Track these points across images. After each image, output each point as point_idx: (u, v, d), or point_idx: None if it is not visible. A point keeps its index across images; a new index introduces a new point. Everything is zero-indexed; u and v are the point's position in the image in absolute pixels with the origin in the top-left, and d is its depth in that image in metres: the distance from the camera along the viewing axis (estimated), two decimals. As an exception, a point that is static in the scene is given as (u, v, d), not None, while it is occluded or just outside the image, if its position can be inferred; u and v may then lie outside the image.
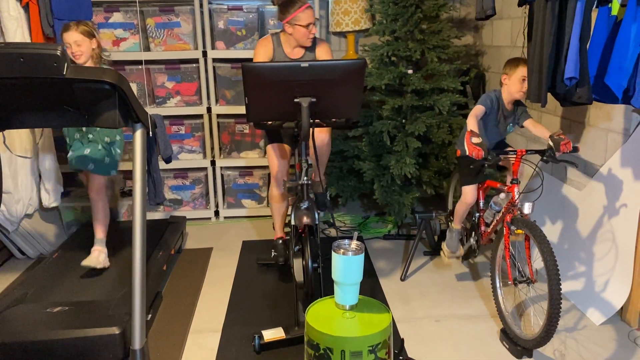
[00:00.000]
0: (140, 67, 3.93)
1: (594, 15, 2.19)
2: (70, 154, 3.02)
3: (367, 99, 3.83)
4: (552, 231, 3.14)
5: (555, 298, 2.19)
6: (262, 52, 2.97)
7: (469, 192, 2.89)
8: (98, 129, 2.98)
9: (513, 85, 2.70)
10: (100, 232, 3.05)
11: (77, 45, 2.85)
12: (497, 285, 2.65)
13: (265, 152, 3.97)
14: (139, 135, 2.20)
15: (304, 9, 2.82)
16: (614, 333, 2.57)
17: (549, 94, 2.27)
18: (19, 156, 3.13)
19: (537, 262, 2.49)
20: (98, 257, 2.96)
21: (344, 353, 1.60)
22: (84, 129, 2.99)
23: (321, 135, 3.06)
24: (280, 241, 3.25)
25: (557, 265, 2.23)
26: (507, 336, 2.50)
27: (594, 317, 2.68)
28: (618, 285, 2.63)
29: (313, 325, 1.66)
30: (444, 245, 3.23)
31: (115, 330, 2.25)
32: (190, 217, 4.11)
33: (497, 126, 2.84)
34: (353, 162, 3.83)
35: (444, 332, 2.62)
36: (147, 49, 3.96)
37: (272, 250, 3.26)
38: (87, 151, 2.97)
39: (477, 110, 2.71)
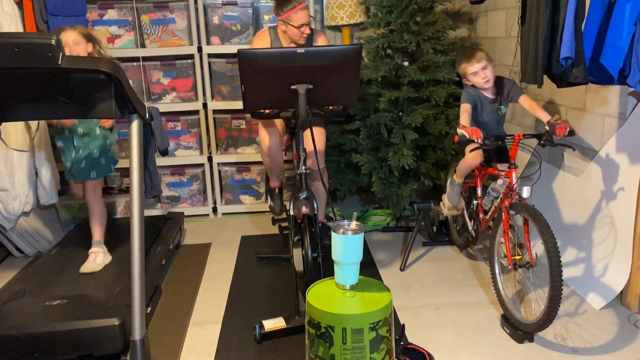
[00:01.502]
0: (135, 64, 3.93)
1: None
2: (67, 163, 2.98)
3: (364, 92, 3.83)
4: (550, 218, 3.12)
5: (556, 279, 2.19)
6: (258, 45, 2.98)
7: (474, 154, 2.83)
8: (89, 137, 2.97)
9: (473, 80, 2.77)
10: (97, 234, 3.02)
11: (75, 44, 2.77)
12: (497, 271, 2.65)
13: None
14: (135, 126, 2.19)
15: (297, 9, 2.82)
16: (615, 317, 2.57)
17: (545, 77, 2.28)
18: (16, 150, 3.12)
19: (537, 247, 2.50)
20: (95, 260, 2.94)
21: (345, 331, 1.60)
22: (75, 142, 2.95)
23: (316, 128, 3.06)
24: (277, 190, 3.21)
25: (558, 248, 2.24)
26: (508, 321, 2.49)
27: (594, 302, 2.68)
28: (617, 269, 2.63)
29: (314, 304, 1.66)
30: (444, 198, 3.16)
31: (115, 322, 2.24)
32: (188, 214, 4.11)
33: (490, 113, 2.84)
34: (350, 155, 3.83)
35: (445, 319, 2.62)
36: (142, 45, 3.96)
37: (268, 199, 3.24)
38: (83, 164, 2.94)
39: (466, 107, 2.77)
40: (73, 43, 2.77)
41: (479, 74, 2.73)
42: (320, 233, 2.80)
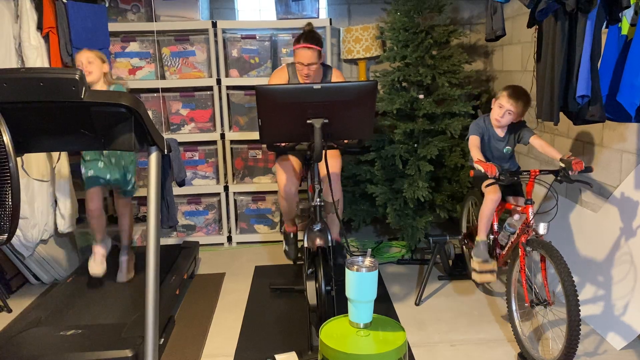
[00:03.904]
0: (155, 95, 4.01)
1: (604, 35, 2.21)
2: (87, 171, 3.07)
3: (379, 124, 3.86)
4: (567, 254, 3.08)
5: (574, 319, 2.15)
6: (276, 81, 3.04)
7: (492, 189, 2.78)
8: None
9: (493, 109, 2.77)
10: (125, 239, 3.23)
11: (89, 63, 2.93)
12: (513, 308, 2.61)
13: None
14: (153, 158, 2.22)
15: (300, 47, 2.86)
16: (636, 357, 2.50)
17: (561, 113, 2.27)
18: (36, 180, 3.18)
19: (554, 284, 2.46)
20: (127, 267, 3.19)
21: (359, 371, 1.58)
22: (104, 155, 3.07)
23: (332, 162, 3.08)
24: (292, 235, 3.23)
25: (575, 286, 2.20)
26: (525, 360, 2.44)
27: (615, 342, 2.61)
28: (638, 308, 2.57)
29: (327, 343, 1.64)
30: (472, 259, 2.92)
31: (128, 353, 2.24)
32: (203, 242, 4.12)
33: (490, 150, 2.85)
34: (365, 186, 3.84)
35: (461, 357, 2.57)
36: (163, 77, 4.04)
37: (283, 243, 3.24)
38: (108, 175, 3.09)
39: (474, 140, 2.78)
40: (86, 61, 2.92)
41: (502, 109, 2.72)
42: (334, 253, 2.79)
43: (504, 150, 2.87)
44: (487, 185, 2.66)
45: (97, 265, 3.08)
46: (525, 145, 2.85)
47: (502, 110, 2.72)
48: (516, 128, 2.84)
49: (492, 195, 2.83)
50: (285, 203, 3.13)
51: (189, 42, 3.98)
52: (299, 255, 3.23)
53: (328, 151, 2.69)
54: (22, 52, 3.10)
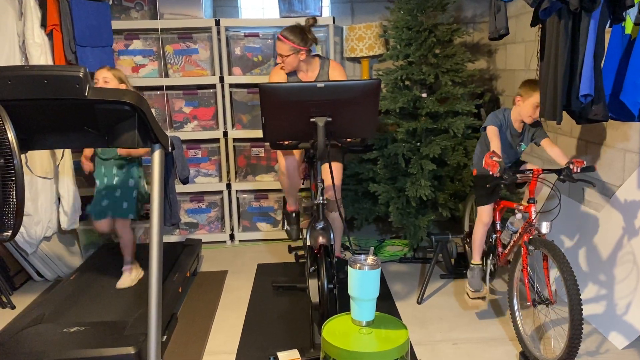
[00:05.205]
0: (158, 92, 4.02)
1: (607, 34, 2.20)
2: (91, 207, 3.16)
3: (382, 122, 3.86)
4: (570, 253, 3.09)
5: (576, 318, 2.15)
6: (276, 78, 3.05)
7: (485, 212, 2.86)
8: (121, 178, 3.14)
9: (525, 108, 2.70)
10: (128, 256, 3.22)
11: (104, 82, 2.94)
12: (515, 307, 2.61)
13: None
14: (157, 155, 2.23)
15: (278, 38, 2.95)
16: (638, 357, 2.50)
17: (564, 112, 2.27)
18: (40, 177, 3.19)
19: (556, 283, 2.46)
20: (130, 276, 3.15)
21: (361, 369, 1.59)
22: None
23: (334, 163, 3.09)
24: (294, 214, 3.25)
25: (578, 285, 2.20)
26: (527, 359, 2.44)
27: (617, 341, 2.61)
28: (640, 307, 2.57)
29: (330, 341, 1.65)
30: (466, 285, 3.00)
31: (131, 350, 2.25)
32: (206, 240, 4.13)
33: (507, 145, 2.83)
34: (368, 184, 3.84)
35: (462, 356, 2.57)
36: (166, 75, 4.05)
37: (284, 221, 3.26)
38: (104, 202, 3.12)
39: (495, 130, 2.72)
40: (102, 81, 2.94)
41: (537, 109, 2.63)
42: (336, 267, 2.79)
43: (521, 147, 2.84)
44: (490, 184, 2.65)
45: (122, 281, 3.14)
46: (537, 145, 2.82)
47: (536, 111, 2.64)
48: (532, 125, 2.80)
49: (484, 219, 2.86)
50: (286, 179, 3.14)
51: (192, 40, 3.98)
52: (300, 236, 3.23)
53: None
54: (26, 49, 3.11)
